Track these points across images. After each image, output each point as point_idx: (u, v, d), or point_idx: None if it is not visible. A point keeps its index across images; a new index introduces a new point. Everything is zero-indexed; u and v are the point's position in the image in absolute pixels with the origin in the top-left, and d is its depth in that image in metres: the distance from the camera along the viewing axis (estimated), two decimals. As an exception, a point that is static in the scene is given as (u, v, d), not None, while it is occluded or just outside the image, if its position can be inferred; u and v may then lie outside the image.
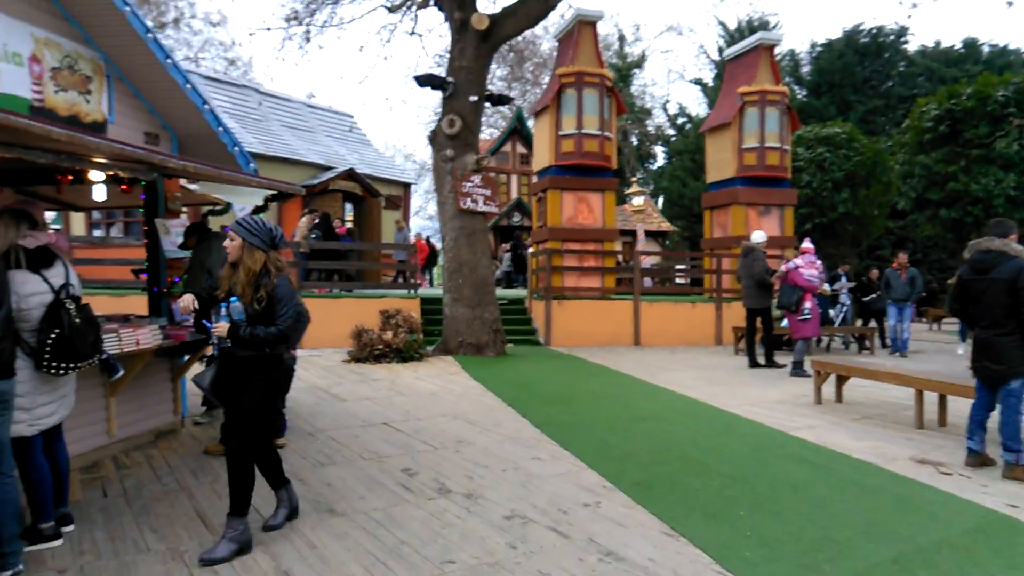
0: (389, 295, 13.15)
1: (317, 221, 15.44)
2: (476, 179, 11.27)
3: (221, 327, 3.71)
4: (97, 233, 17.17)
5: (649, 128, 39.59)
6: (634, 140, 39.04)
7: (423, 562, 3.57)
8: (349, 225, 16.86)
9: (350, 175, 20.62)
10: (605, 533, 4.00)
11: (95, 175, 4.94)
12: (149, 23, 5.49)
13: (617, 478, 4.98)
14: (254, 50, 58.39)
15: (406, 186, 25.69)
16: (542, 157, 15.02)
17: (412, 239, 24.67)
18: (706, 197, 16.61)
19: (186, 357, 6.14)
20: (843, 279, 14.31)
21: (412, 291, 13.37)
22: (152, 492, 4.58)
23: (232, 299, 3.75)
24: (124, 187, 5.77)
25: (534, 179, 17.05)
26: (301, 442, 5.88)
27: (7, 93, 4.63)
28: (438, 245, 22.72)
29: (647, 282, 20.30)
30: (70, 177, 5.47)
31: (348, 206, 22.11)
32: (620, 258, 18.21)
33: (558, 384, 8.69)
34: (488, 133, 40.32)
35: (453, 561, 3.60)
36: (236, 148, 6.42)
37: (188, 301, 3.94)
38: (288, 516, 4.09)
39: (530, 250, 16.58)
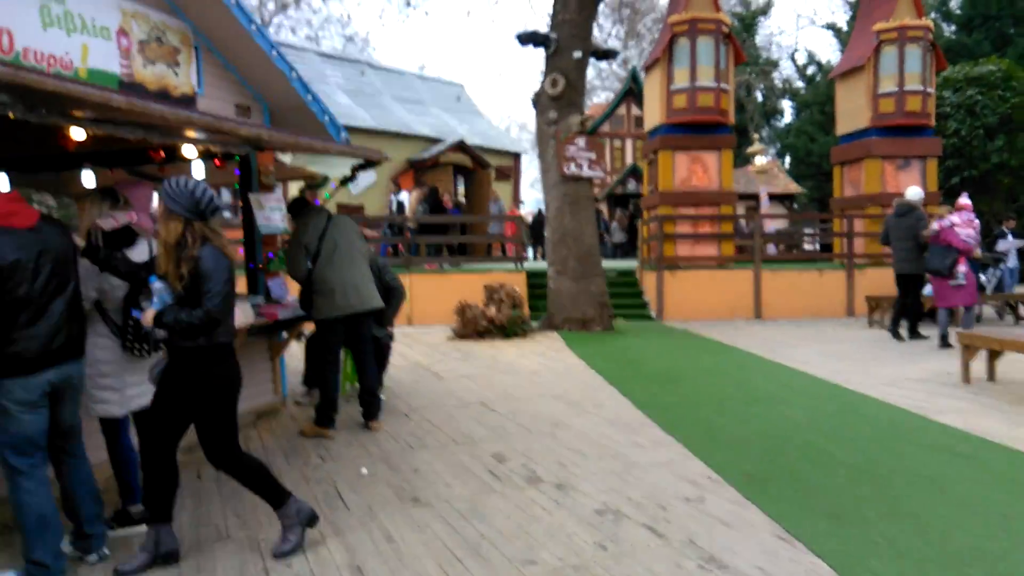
0: (495, 269, 12.98)
1: (425, 194, 15.51)
2: (581, 142, 10.79)
3: (148, 314, 3.19)
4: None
5: (776, 81, 37.11)
6: (759, 95, 36.81)
7: (502, 562, 3.30)
8: (461, 199, 16.84)
9: (460, 147, 20.61)
10: (707, 534, 3.58)
11: (188, 151, 4.94)
12: None
13: (725, 469, 4.51)
14: (370, 26, 59.75)
15: (516, 156, 25.46)
16: (653, 116, 14.27)
17: (523, 211, 24.48)
18: (836, 151, 15.20)
19: (284, 335, 6.16)
20: (1009, 238, 12.69)
21: (518, 264, 13.14)
22: (243, 474, 4.56)
23: (151, 278, 3.27)
24: (217, 162, 5.82)
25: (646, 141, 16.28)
26: (396, 423, 5.77)
27: (97, 68, 4.66)
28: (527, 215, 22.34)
29: (770, 249, 19.11)
30: (162, 154, 5.55)
31: (458, 178, 22.25)
32: (742, 223, 17.12)
33: (666, 361, 8.20)
34: (604, 96, 39.35)
35: (535, 562, 3.30)
36: (326, 117, 6.32)
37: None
38: (305, 527, 3.52)
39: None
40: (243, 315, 5.08)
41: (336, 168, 6.04)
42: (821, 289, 12.92)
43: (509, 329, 9.78)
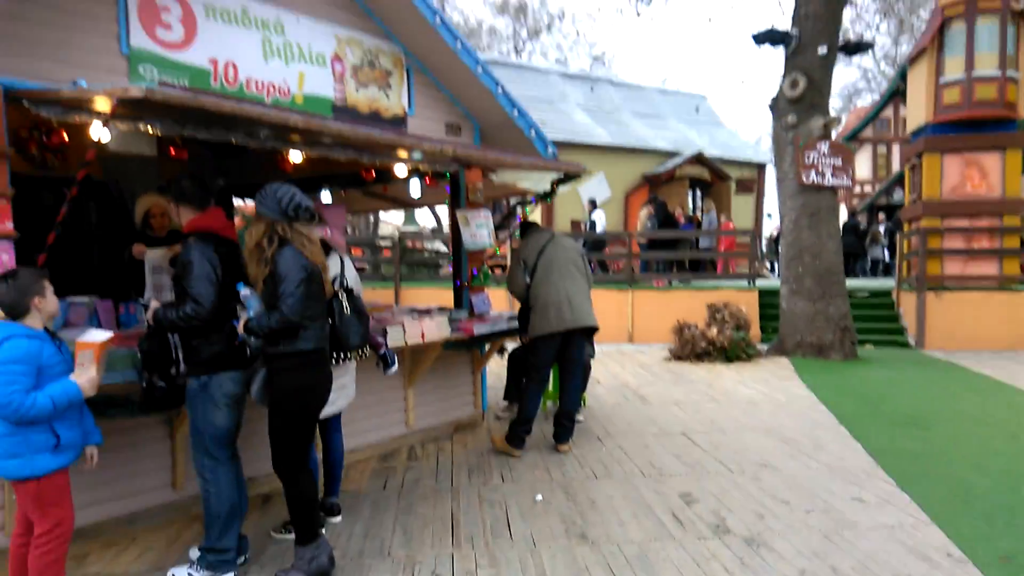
0: (724, 286, 12.14)
1: (654, 210, 15.05)
2: (823, 147, 9.70)
3: (241, 321, 3.15)
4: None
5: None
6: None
7: (660, 627, 2.88)
8: (695, 214, 16.09)
9: (698, 159, 19.80)
10: (931, 632, 2.83)
11: (399, 170, 5.13)
12: (437, 9, 5.52)
13: (973, 544, 3.61)
14: (616, 45, 60.25)
15: (760, 167, 23.91)
16: (917, 114, 12.43)
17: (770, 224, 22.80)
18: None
19: (487, 347, 6.19)
20: None
21: (751, 282, 12.17)
22: (424, 489, 4.58)
23: (238, 285, 3.17)
24: (428, 180, 6.02)
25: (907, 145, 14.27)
26: (586, 447, 5.49)
27: (312, 94, 5.01)
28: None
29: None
30: (373, 174, 5.85)
31: (696, 192, 21.38)
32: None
33: (917, 400, 6.96)
34: (870, 99, 35.62)
35: (698, 634, 2.84)
36: (532, 132, 6.24)
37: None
38: (325, 572, 3.28)
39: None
40: (438, 329, 5.15)
41: (539, 183, 5.94)
42: None
43: (731, 352, 9.01)
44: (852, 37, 10.71)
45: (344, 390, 4.08)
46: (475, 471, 4.96)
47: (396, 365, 4.36)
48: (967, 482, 4.53)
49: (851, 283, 14.83)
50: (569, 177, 5.65)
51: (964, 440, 5.51)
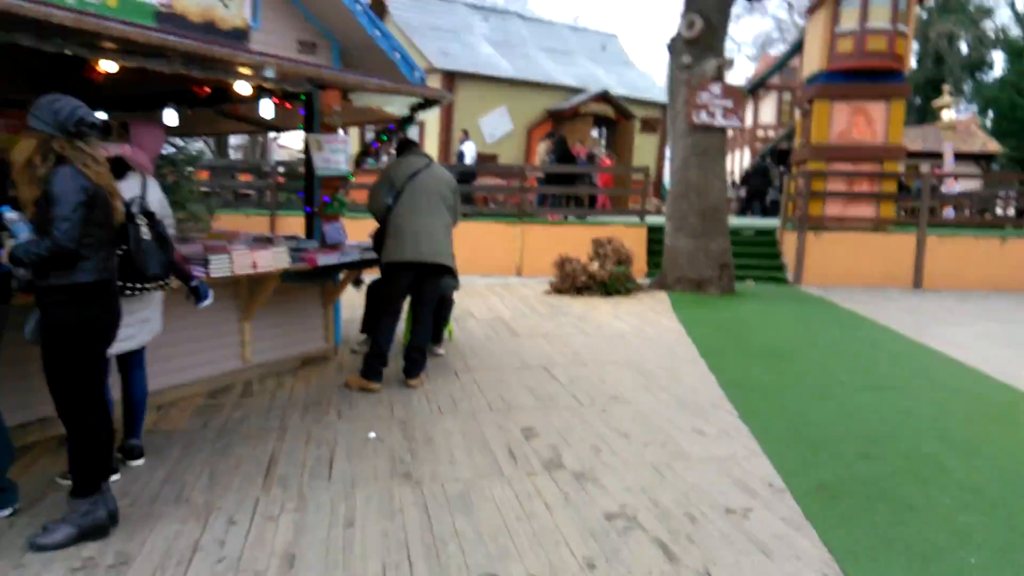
0: (615, 222, 12.07)
1: (552, 145, 14.78)
2: (715, 88, 9.58)
3: (5, 249, 2.78)
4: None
5: (988, 31, 32.13)
6: (964, 47, 32.11)
7: (458, 572, 2.70)
8: (597, 151, 15.86)
9: (603, 97, 19.56)
10: (733, 564, 2.76)
11: (241, 87, 4.61)
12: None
13: (795, 475, 3.61)
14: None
15: (666, 108, 23.92)
16: (812, 62, 12.56)
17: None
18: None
19: (340, 278, 5.82)
20: None
21: (642, 218, 12.15)
22: (248, 428, 4.25)
23: (3, 208, 2.76)
24: (277, 101, 5.48)
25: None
26: (439, 383, 5.27)
27: (130, -1, 4.40)
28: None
29: (948, 213, 16.60)
30: (207, 90, 5.29)
31: (601, 130, 21.21)
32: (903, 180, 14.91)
33: (781, 333, 7.07)
34: (781, 48, 36.06)
35: None
36: (397, 55, 5.78)
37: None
38: (83, 534, 2.85)
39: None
40: (274, 259, 4.75)
41: (401, 108, 5.51)
42: (1001, 259, 10.89)
43: (611, 286, 8.96)
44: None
45: (147, 324, 3.68)
46: (311, 408, 4.65)
47: (209, 298, 3.94)
48: (804, 413, 4.57)
49: (743, 222, 15.14)
50: (430, 102, 5.24)
51: (813, 372, 5.60)
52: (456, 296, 7.89)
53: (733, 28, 73.27)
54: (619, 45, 25.44)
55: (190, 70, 3.77)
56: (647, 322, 7.53)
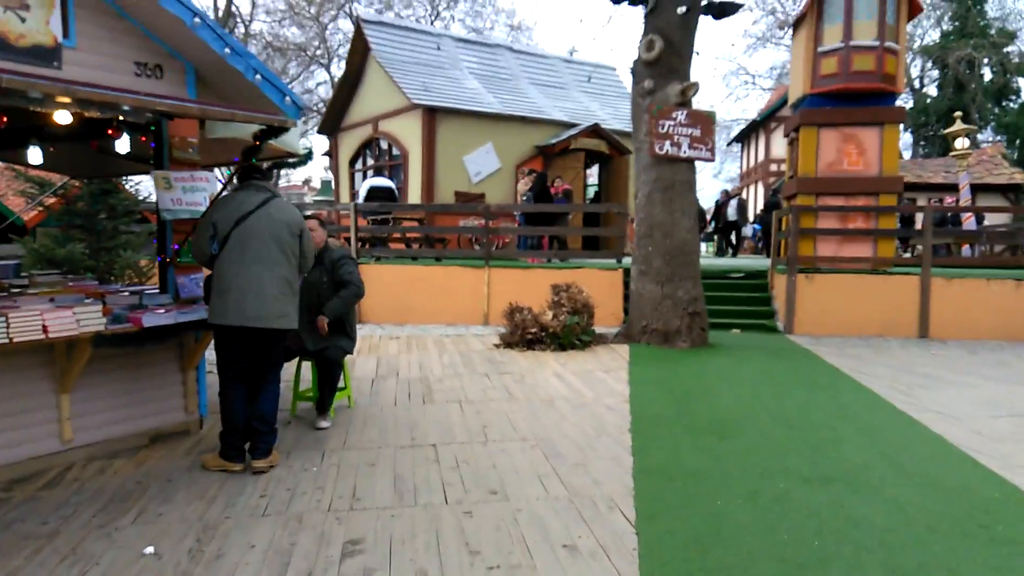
0: (592, 265, 11.15)
1: (532, 181, 13.99)
2: (680, 115, 8.71)
3: None
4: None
5: (1012, 56, 30.99)
6: (987, 73, 31.01)
7: None
8: (567, 186, 14.99)
9: (595, 131, 18.80)
10: None
11: (61, 117, 3.87)
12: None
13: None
14: (535, 14, 58.96)
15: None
16: (797, 86, 11.61)
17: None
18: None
19: (199, 338, 4.98)
20: None
21: (619, 260, 11.22)
22: (7, 537, 3.38)
23: None
24: (111, 132, 4.70)
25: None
26: (295, 466, 4.37)
27: None
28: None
29: (966, 251, 15.41)
30: (4, 119, 4.54)
31: (597, 166, 20.42)
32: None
33: (739, 398, 6.05)
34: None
35: None
36: (257, 75, 4.99)
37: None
38: None
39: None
40: (75, 321, 3.94)
41: (237, 133, 4.70)
42: (1017, 304, 9.74)
43: (564, 339, 8.01)
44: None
45: None
46: (111, 505, 3.77)
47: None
48: (720, 518, 3.57)
49: (736, 263, 14.12)
50: (275, 130, 4.42)
51: (757, 453, 4.59)
52: (394, 349, 7.02)
53: (748, 61, 72.54)
54: (617, 77, 24.80)
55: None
56: (591, 383, 6.55)
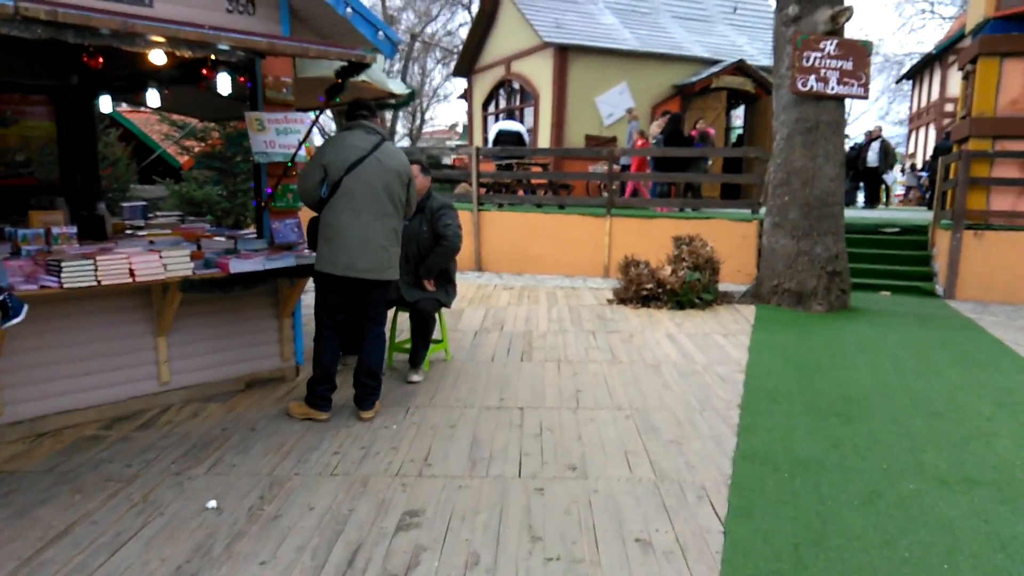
0: (724, 216, 10.36)
1: (665, 124, 13.14)
2: (829, 46, 7.70)
3: None
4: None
5: None
6: None
7: None
8: (709, 129, 13.93)
9: (739, 68, 17.37)
10: None
11: (156, 57, 3.88)
12: None
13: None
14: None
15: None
16: (976, 8, 10.00)
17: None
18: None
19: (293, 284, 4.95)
20: None
21: (754, 211, 10.33)
22: (91, 478, 3.48)
23: None
24: (206, 72, 4.67)
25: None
26: (377, 423, 4.26)
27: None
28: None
29: None
30: (100, 59, 4.59)
31: (739, 107, 18.99)
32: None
33: (875, 374, 5.32)
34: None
35: None
36: (348, 9, 4.75)
37: None
38: None
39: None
40: (163, 266, 3.97)
41: (327, 72, 4.51)
42: None
43: (682, 296, 7.44)
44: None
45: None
46: (194, 451, 3.82)
47: (20, 316, 3.19)
48: (825, 523, 3.06)
49: (886, 216, 12.65)
50: (356, 67, 4.17)
51: (885, 443, 3.96)
52: (505, 300, 6.81)
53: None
54: (768, 7, 22.74)
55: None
56: (705, 348, 6.03)
